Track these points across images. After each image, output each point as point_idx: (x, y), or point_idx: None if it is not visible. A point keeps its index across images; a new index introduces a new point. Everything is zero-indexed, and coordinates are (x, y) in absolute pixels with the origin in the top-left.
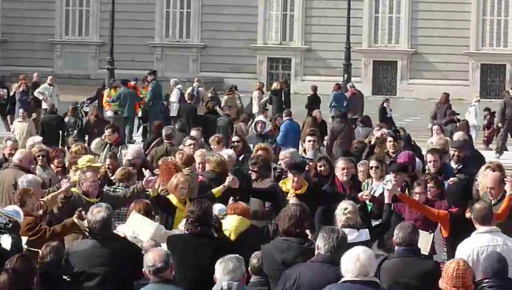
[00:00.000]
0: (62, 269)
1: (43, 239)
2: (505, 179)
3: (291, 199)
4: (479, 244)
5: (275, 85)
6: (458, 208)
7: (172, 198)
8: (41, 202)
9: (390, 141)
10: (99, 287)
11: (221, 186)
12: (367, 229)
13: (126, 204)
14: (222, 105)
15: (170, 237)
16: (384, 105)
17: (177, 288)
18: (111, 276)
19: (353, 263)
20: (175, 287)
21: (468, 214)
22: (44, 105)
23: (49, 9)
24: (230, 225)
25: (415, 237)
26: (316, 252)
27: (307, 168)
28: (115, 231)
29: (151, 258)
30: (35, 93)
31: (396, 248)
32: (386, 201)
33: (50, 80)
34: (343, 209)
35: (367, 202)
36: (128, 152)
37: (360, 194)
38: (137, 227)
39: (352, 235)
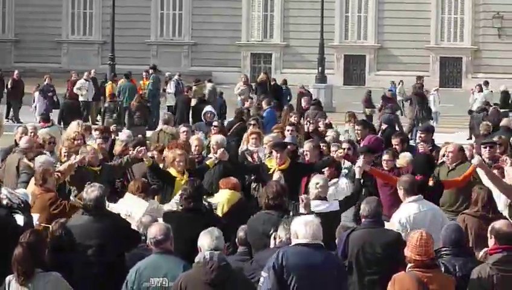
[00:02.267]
0: (67, 242)
1: (64, 213)
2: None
3: (276, 173)
4: (412, 211)
5: (261, 76)
6: (422, 176)
7: (172, 170)
8: (58, 174)
9: (357, 129)
10: (93, 257)
11: (213, 158)
12: (337, 201)
13: (122, 171)
14: (191, 95)
15: (166, 213)
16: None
17: (176, 258)
18: (104, 248)
19: (304, 227)
20: (174, 257)
21: (430, 182)
22: (81, 99)
23: (56, 12)
24: (223, 197)
25: (379, 210)
26: (278, 240)
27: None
28: (108, 208)
29: (152, 231)
30: (75, 90)
31: (362, 220)
32: (357, 176)
33: (86, 76)
34: (315, 184)
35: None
36: (121, 135)
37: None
38: (130, 206)
39: (324, 205)
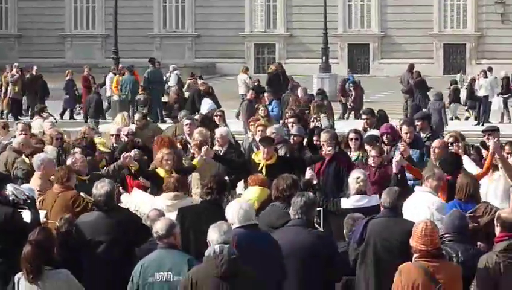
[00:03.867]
0: (75, 239)
1: (86, 211)
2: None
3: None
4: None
5: (272, 67)
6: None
7: (160, 171)
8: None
9: (364, 118)
10: (104, 254)
11: (199, 157)
12: (377, 195)
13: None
14: (184, 88)
15: (181, 208)
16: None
17: (181, 252)
18: (115, 243)
19: (237, 211)
20: (179, 252)
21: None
22: (108, 92)
23: (59, 6)
24: (253, 195)
25: (398, 201)
26: (292, 216)
27: (292, 142)
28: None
29: (156, 226)
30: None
31: (382, 209)
32: (394, 171)
33: (113, 69)
34: (355, 178)
35: None
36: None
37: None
38: (138, 202)
39: (363, 200)
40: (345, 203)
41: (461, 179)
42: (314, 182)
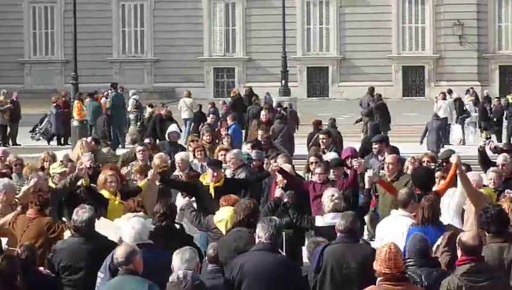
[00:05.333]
0: (46, 266)
1: (61, 236)
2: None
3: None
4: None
5: (234, 91)
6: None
7: (104, 192)
8: (16, 200)
9: (322, 138)
10: (84, 280)
11: (145, 180)
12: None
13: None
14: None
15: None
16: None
17: (141, 278)
18: (94, 270)
19: (129, 231)
20: (139, 278)
21: None
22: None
23: (18, 32)
24: (226, 215)
25: (355, 225)
26: (257, 240)
27: (252, 166)
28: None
29: (117, 253)
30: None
31: (338, 234)
32: (366, 186)
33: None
34: (330, 196)
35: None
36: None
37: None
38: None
39: (338, 218)
40: (319, 221)
41: (422, 202)
42: (285, 200)
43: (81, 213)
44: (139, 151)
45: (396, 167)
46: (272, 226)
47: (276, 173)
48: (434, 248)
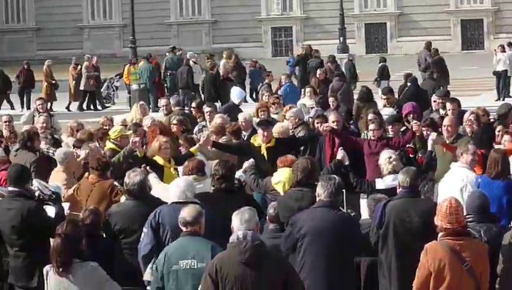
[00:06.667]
0: (102, 230)
1: (119, 199)
2: None
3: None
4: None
5: (301, 51)
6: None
7: (158, 159)
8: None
9: (383, 98)
10: (138, 242)
11: (197, 145)
12: None
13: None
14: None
15: (197, 194)
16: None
17: (204, 239)
18: None
19: (174, 189)
20: (202, 239)
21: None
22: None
23: None
24: (283, 176)
25: (416, 181)
26: (318, 199)
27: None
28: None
29: (183, 213)
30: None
31: (399, 189)
32: (429, 148)
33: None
34: (388, 158)
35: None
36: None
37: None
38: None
39: (397, 180)
40: (380, 183)
41: (491, 155)
42: (346, 163)
43: (132, 176)
44: (207, 112)
45: (454, 129)
46: (331, 184)
47: (328, 132)
48: None
